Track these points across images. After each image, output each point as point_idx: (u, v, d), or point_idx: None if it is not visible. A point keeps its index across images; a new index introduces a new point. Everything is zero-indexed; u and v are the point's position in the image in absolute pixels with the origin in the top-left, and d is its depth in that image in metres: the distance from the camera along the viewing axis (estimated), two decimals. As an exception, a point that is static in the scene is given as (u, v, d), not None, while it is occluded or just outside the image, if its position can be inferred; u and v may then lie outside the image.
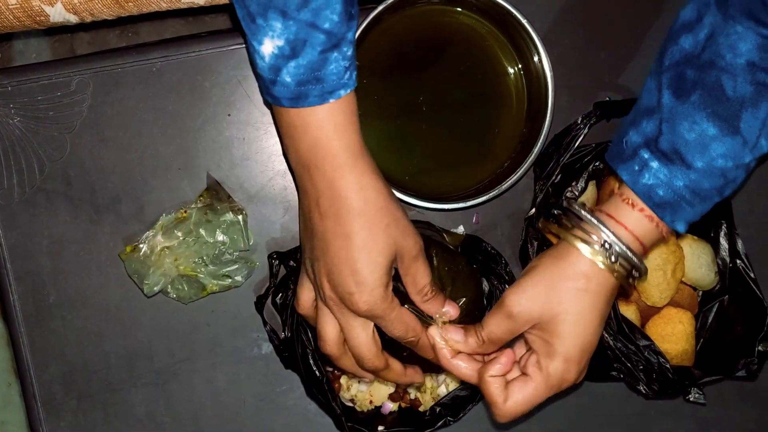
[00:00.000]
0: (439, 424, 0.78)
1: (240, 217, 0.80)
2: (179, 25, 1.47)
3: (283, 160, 0.83)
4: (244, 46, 0.81)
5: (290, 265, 0.79)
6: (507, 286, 0.79)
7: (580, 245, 0.60)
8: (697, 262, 0.81)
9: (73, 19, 0.80)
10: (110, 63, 0.80)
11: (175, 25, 1.47)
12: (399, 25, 0.79)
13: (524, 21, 0.76)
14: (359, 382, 0.80)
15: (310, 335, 0.76)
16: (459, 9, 0.79)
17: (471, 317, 0.67)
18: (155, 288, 0.79)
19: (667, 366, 0.75)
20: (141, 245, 0.79)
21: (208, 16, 1.48)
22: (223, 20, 1.48)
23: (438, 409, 0.78)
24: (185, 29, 1.47)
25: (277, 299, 0.79)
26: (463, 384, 0.79)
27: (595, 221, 0.61)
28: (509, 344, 0.64)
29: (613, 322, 0.75)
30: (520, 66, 0.80)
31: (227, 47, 0.81)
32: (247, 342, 0.83)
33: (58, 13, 0.79)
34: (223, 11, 1.42)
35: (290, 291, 0.78)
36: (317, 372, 0.76)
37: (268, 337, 0.80)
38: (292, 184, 0.83)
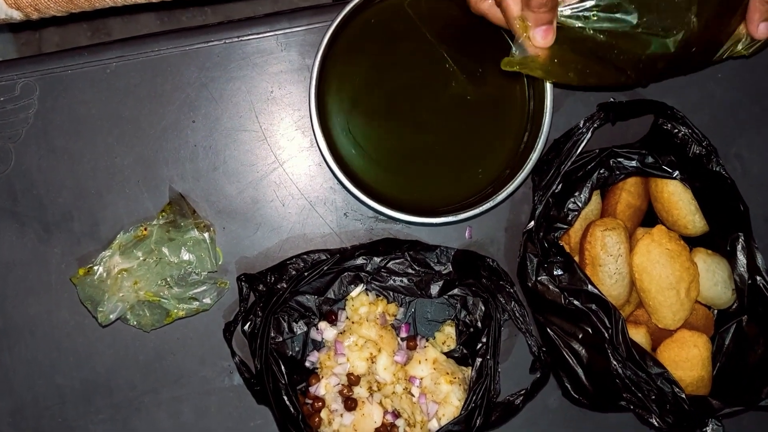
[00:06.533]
0: (430, 462, 0.71)
1: (207, 235, 0.74)
2: (154, 25, 1.40)
3: (255, 170, 0.76)
4: (209, 44, 0.74)
5: (260, 289, 0.71)
6: (515, 307, 0.72)
7: None
8: (713, 279, 0.74)
9: (17, 15, 0.72)
10: (59, 65, 0.74)
11: (150, 24, 1.40)
12: (385, 17, 0.73)
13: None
14: (341, 417, 0.73)
15: (282, 367, 0.68)
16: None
17: None
18: (111, 316, 0.72)
19: (683, 396, 0.68)
20: (96, 267, 0.73)
21: (185, 15, 1.41)
22: (203, 18, 1.42)
23: (428, 446, 0.71)
24: (160, 28, 1.40)
25: (246, 327, 0.71)
26: (456, 418, 0.71)
27: None
28: None
29: (621, 348, 0.68)
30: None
31: (190, 46, 0.75)
32: (216, 371, 0.76)
33: (-1, 9, 0.71)
34: (192, 6, 1.35)
35: (259, 318, 0.70)
36: (291, 408, 0.68)
37: (237, 369, 0.73)
38: (264, 197, 0.76)
